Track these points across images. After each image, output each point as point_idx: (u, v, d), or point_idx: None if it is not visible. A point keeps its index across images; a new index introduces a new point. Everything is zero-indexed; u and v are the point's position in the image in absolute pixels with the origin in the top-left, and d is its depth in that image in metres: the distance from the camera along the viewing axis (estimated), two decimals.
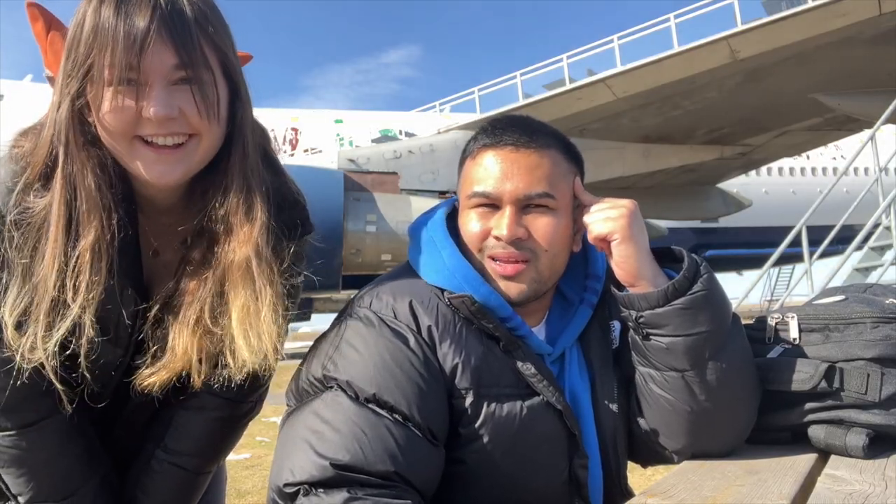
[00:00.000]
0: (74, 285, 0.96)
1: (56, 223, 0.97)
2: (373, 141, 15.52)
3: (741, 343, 1.09)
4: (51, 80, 1.05)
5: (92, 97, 0.97)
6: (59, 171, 0.99)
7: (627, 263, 1.05)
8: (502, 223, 1.07)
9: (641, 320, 1.04)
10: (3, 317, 0.96)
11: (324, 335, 1.11)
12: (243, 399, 1.22)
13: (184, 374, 1.07)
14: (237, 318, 1.01)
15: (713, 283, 1.04)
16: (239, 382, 1.06)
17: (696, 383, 1.04)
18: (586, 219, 1.09)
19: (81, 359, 0.98)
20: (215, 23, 1.02)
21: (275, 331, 1.03)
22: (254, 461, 5.19)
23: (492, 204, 1.09)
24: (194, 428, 1.20)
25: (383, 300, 1.08)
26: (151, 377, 1.06)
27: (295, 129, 17.34)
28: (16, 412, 1.05)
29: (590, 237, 1.09)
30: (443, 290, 1.09)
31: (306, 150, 15.57)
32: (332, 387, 1.01)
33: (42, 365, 0.97)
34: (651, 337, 1.04)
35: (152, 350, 1.06)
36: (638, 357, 1.10)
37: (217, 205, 1.06)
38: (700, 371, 1.03)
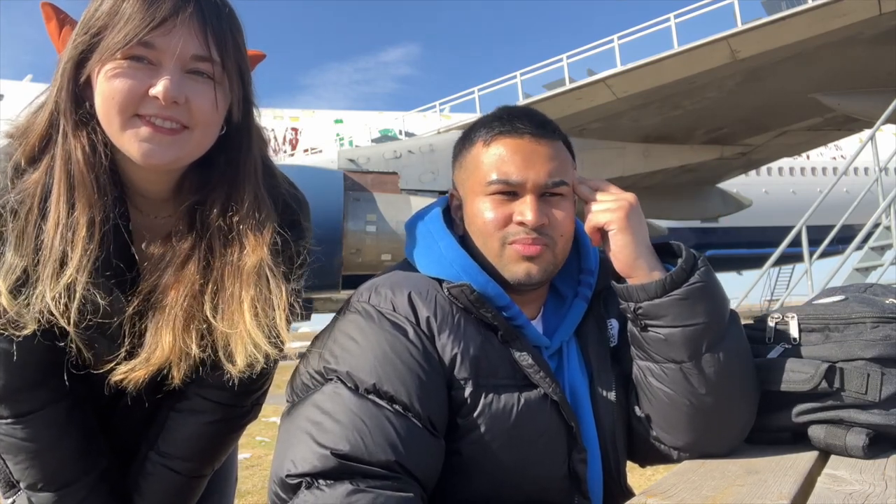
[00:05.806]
0: (72, 248, 0.97)
1: (57, 191, 0.99)
2: (373, 141, 15.52)
3: (739, 338, 1.09)
4: None
5: (97, 71, 0.98)
6: (57, 145, 1.00)
7: (623, 253, 1.08)
8: (526, 209, 1.09)
9: (640, 311, 1.06)
10: None
11: (323, 331, 1.11)
12: (236, 403, 1.22)
13: (165, 371, 1.07)
14: (250, 317, 1.02)
15: (710, 276, 1.06)
16: (237, 381, 1.06)
17: (693, 375, 1.05)
18: (588, 208, 1.13)
19: (70, 326, 0.98)
20: (239, 26, 1.05)
21: (285, 330, 1.04)
22: (254, 461, 5.20)
23: (510, 192, 1.11)
24: (186, 431, 1.19)
25: (382, 294, 1.09)
26: (127, 373, 1.06)
27: (295, 129, 17.35)
28: (11, 401, 1.07)
29: (587, 226, 1.12)
30: (441, 282, 1.10)
31: (306, 150, 15.58)
32: (331, 379, 1.01)
33: (37, 335, 0.99)
34: (649, 328, 1.06)
35: (127, 345, 1.06)
36: (637, 350, 1.11)
37: (229, 209, 1.07)
38: (697, 363, 1.04)
